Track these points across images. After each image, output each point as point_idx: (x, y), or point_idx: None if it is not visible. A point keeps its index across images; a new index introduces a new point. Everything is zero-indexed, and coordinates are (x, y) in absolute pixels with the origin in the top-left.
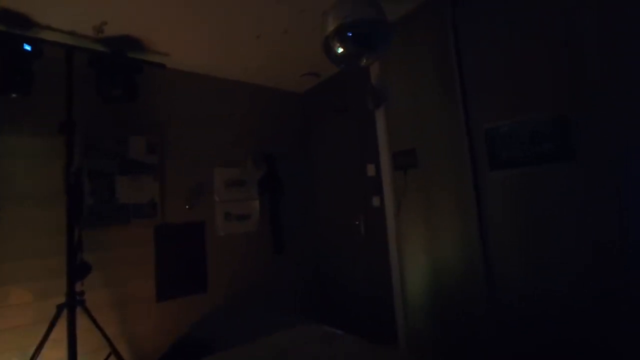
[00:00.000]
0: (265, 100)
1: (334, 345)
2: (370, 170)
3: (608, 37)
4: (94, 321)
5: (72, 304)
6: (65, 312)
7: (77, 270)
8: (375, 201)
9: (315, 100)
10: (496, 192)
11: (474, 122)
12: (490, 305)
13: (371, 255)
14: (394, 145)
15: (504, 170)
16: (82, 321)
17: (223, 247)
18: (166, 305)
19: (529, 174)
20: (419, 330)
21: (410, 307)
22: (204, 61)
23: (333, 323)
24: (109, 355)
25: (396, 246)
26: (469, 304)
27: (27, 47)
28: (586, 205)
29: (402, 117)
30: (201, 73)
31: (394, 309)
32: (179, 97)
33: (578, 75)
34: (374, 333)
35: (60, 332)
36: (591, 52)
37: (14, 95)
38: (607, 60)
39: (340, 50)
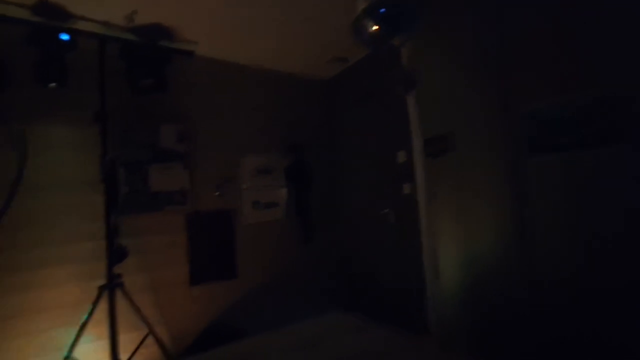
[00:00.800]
0: (292, 87)
1: (367, 335)
2: (401, 157)
3: None
4: (132, 303)
5: (112, 286)
6: (106, 294)
7: (115, 255)
8: (406, 189)
9: (343, 86)
10: (537, 177)
11: (513, 104)
12: (530, 290)
13: (401, 244)
14: (426, 130)
15: (546, 153)
16: (122, 302)
17: (252, 234)
18: (199, 290)
19: (575, 157)
20: (451, 319)
21: (442, 296)
22: (231, 48)
23: (364, 312)
24: (147, 336)
25: (428, 233)
26: (506, 290)
27: (64, 37)
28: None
29: (435, 101)
30: (228, 61)
31: (425, 298)
32: (207, 86)
33: (631, 51)
34: (402, 322)
35: (102, 311)
36: None
37: (52, 84)
38: None
39: (371, 29)
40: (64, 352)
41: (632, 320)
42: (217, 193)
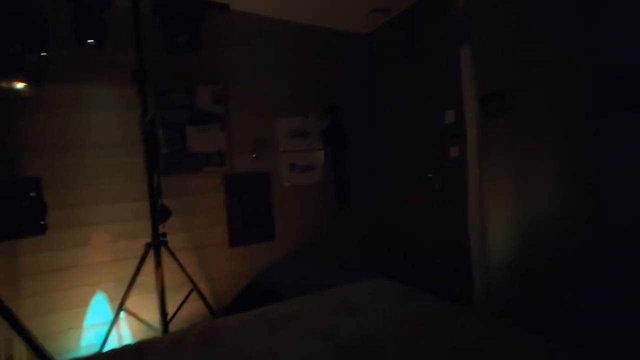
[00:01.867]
0: (330, 44)
1: (411, 301)
2: (449, 117)
3: None
4: (177, 260)
5: (157, 244)
6: (151, 251)
7: (158, 214)
8: (454, 152)
9: (384, 42)
10: (622, 137)
11: (599, 55)
12: (602, 265)
13: (445, 210)
14: (482, 87)
15: (632, 112)
16: (168, 259)
17: (288, 197)
18: (237, 251)
19: None
20: (500, 289)
21: (491, 265)
22: (266, 1)
23: (403, 278)
24: (191, 291)
25: (478, 200)
26: (567, 263)
27: None
28: None
29: (493, 54)
30: (263, 15)
31: (471, 265)
32: (242, 44)
33: None
34: (444, 291)
35: (149, 267)
36: None
37: (90, 41)
38: None
39: None
40: (117, 303)
41: None
42: (253, 155)
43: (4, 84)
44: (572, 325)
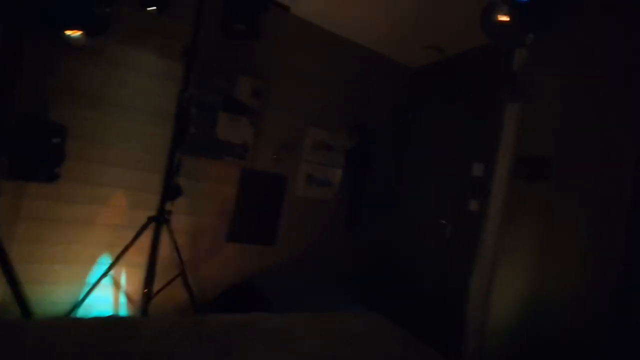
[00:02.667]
0: (375, 68)
1: (411, 349)
2: (478, 169)
3: None
4: (174, 240)
5: (161, 219)
6: (152, 226)
7: (170, 191)
8: (474, 205)
9: (430, 79)
10: None
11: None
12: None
13: (452, 261)
14: (522, 148)
15: None
16: (164, 237)
17: (299, 207)
18: (234, 247)
19: None
20: (494, 353)
21: (489, 330)
22: (327, 14)
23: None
24: (178, 275)
25: (489, 260)
26: (582, 339)
27: None
28: None
29: (542, 118)
30: (320, 26)
31: (465, 326)
32: (293, 48)
33: None
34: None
35: (142, 242)
36: None
37: (152, 8)
38: None
39: (505, 19)
40: (104, 268)
41: None
42: (274, 156)
43: (66, 32)
44: None
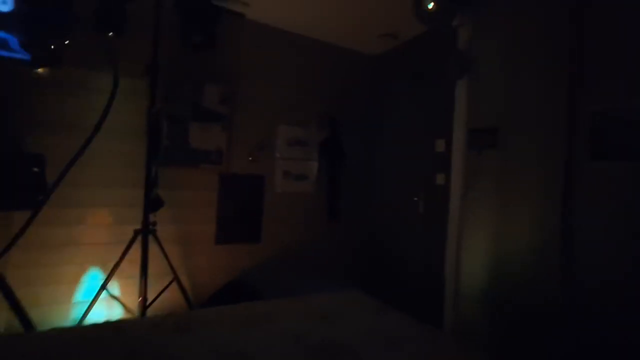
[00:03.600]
0: (337, 60)
1: (384, 317)
2: (440, 145)
3: None
4: (163, 249)
5: (146, 231)
6: (139, 238)
7: (151, 203)
8: (440, 179)
9: (390, 65)
10: (597, 184)
11: (580, 102)
12: (569, 296)
13: (427, 234)
14: (472, 121)
15: (611, 161)
16: (153, 248)
17: (279, 203)
18: (223, 248)
19: None
20: (469, 319)
21: (462, 293)
22: (282, 14)
23: (379, 295)
24: (172, 281)
25: (457, 229)
26: (539, 296)
27: None
28: None
29: (487, 91)
30: (277, 26)
31: (444, 293)
32: (253, 51)
33: None
34: (419, 313)
35: (133, 254)
36: None
37: (110, 34)
38: None
39: (431, 4)
40: (99, 284)
41: None
42: (250, 158)
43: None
44: (535, 352)
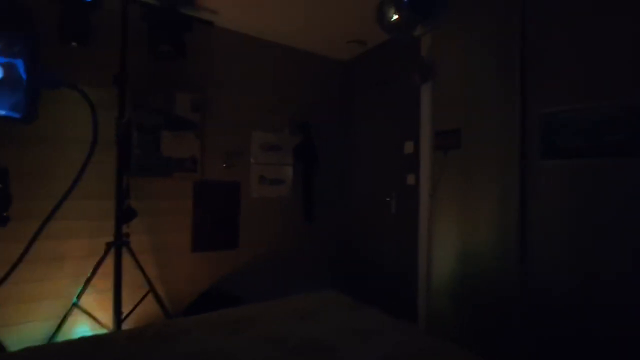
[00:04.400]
0: (308, 66)
1: (358, 313)
2: (409, 147)
3: None
4: (137, 261)
5: (119, 243)
6: (112, 251)
7: (124, 214)
8: (410, 179)
9: (359, 70)
10: (545, 182)
11: (530, 105)
12: (523, 296)
13: (400, 233)
14: (437, 123)
15: (559, 159)
16: (127, 260)
17: (256, 208)
18: (199, 256)
19: (591, 165)
20: (440, 313)
21: (434, 289)
22: (251, 22)
23: (355, 294)
24: (147, 293)
25: (427, 226)
26: (498, 292)
27: None
28: None
29: (449, 95)
30: (247, 34)
31: (417, 288)
32: (225, 58)
33: None
34: (394, 309)
35: (107, 267)
36: None
37: (73, 44)
38: None
39: (395, 17)
40: (72, 300)
41: (624, 328)
42: (224, 165)
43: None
44: (498, 343)
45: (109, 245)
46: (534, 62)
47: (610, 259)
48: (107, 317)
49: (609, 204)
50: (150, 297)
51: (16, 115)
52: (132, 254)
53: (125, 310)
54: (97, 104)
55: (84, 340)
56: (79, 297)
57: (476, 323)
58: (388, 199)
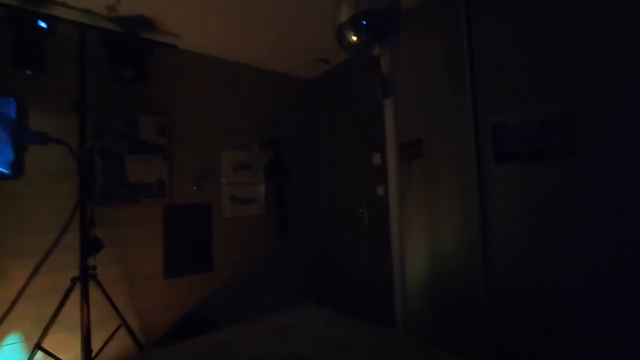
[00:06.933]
0: (275, 85)
1: (337, 325)
2: (376, 159)
3: (620, 35)
4: (106, 294)
5: (85, 277)
6: (78, 285)
7: (89, 246)
8: (380, 190)
9: (324, 87)
10: (500, 185)
11: (481, 115)
12: (487, 291)
13: (373, 242)
14: (400, 135)
15: (508, 163)
16: (94, 293)
17: (229, 229)
18: (173, 283)
19: (533, 168)
20: (416, 315)
21: (409, 293)
22: (214, 43)
23: (335, 306)
24: (119, 327)
25: (398, 234)
26: (467, 290)
27: (42, 24)
28: (584, 202)
29: (409, 108)
30: (212, 55)
31: (394, 294)
32: (189, 80)
33: (589, 72)
34: (373, 317)
35: (74, 303)
36: (603, 49)
37: (28, 72)
38: (618, 57)
39: (353, 38)
40: (34, 342)
41: (579, 324)
42: (194, 187)
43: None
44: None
45: (74, 280)
46: (482, 77)
47: (559, 253)
48: (75, 358)
49: (552, 202)
50: (122, 330)
51: (7, 172)
52: (100, 287)
53: (95, 347)
54: (57, 132)
55: None
56: (41, 338)
57: (447, 322)
58: (360, 210)
